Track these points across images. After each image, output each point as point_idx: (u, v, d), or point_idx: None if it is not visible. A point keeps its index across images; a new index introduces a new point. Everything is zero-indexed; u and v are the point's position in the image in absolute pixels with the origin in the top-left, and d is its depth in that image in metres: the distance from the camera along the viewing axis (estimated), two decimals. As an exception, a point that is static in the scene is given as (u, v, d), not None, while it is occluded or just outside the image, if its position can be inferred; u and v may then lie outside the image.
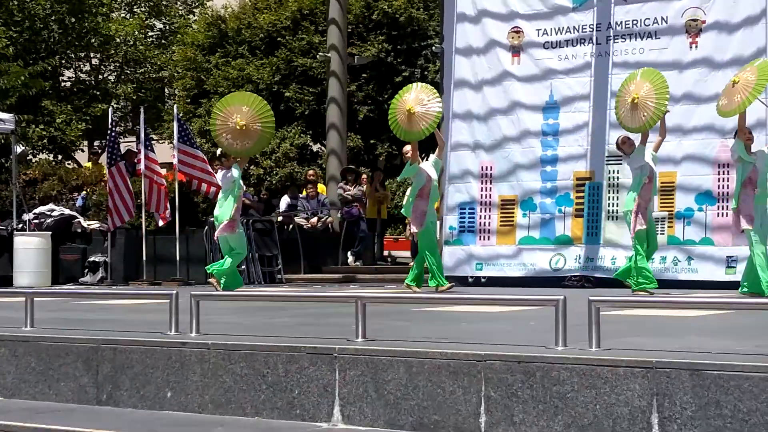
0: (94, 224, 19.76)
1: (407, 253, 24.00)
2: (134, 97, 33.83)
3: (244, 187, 15.17)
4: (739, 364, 5.45)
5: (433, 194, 14.41)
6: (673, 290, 14.14)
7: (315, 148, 31.07)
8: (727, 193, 15.07)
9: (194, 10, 36.06)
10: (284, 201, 22.68)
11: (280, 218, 21.61)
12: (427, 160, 14.99)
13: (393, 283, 18.33)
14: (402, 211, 15.47)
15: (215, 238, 15.22)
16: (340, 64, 22.76)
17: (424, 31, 29.44)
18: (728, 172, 15.12)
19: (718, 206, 15.24)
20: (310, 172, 23.78)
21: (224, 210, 14.70)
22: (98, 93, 33.50)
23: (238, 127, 14.43)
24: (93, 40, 32.19)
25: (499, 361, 6.00)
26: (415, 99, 14.18)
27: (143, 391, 7.08)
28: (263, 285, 19.04)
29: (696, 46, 15.74)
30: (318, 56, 25.08)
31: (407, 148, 14.68)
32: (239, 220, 14.99)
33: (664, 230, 15.57)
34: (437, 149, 14.85)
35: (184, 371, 6.93)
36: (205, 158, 19.18)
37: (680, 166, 15.58)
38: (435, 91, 14.55)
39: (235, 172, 14.66)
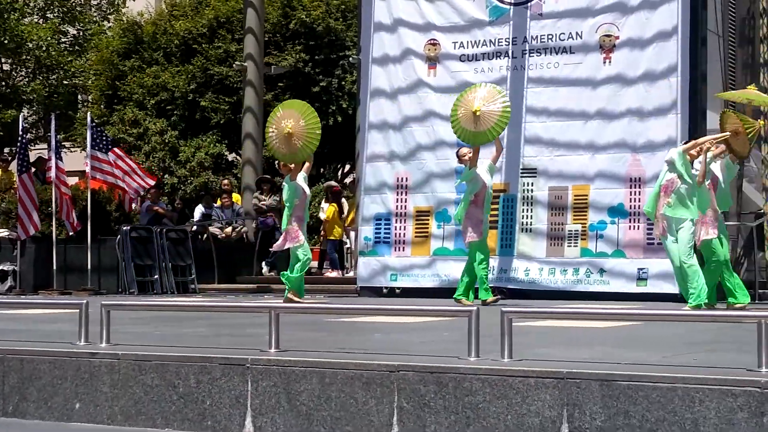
0: (3, 232, 19.44)
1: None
2: (47, 102, 33.31)
3: (304, 196, 13.93)
4: (647, 375, 5.52)
5: (487, 201, 13.50)
6: (585, 302, 14.30)
7: (230, 157, 30.89)
8: (639, 206, 15.30)
9: (109, 16, 35.64)
10: (198, 210, 22.53)
11: (194, 228, 21.45)
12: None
13: (307, 294, 18.27)
14: (454, 217, 14.45)
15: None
16: (257, 73, 22.66)
17: (341, 41, 29.45)
18: (640, 186, 15.36)
19: (630, 220, 15.47)
20: (225, 181, 23.64)
21: (283, 220, 14.20)
22: (8, 91, 32.92)
23: (285, 132, 13.63)
24: (4, 39, 31.64)
25: (412, 371, 6.01)
26: (481, 99, 13.37)
27: (51, 402, 6.95)
28: (176, 295, 18.87)
29: (609, 62, 15.97)
30: (234, 65, 24.94)
31: (465, 150, 13.77)
32: (299, 229, 13.83)
33: (577, 243, 15.77)
34: (495, 153, 13.95)
35: (93, 382, 6.83)
36: (118, 165, 19.04)
37: (593, 181, 15.79)
38: (501, 90, 13.78)
39: (285, 182, 14.06)
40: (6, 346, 7.39)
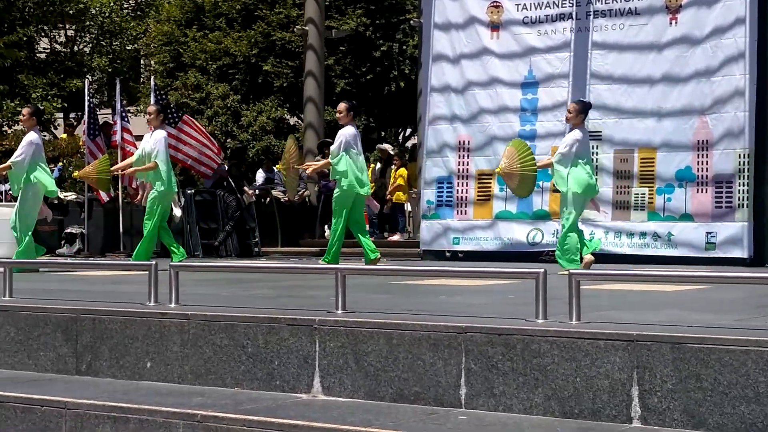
0: (71, 195, 19.63)
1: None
2: (110, 70, 33.57)
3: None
4: (720, 338, 5.46)
5: None
6: (653, 266, 14.17)
7: (292, 121, 30.98)
8: (707, 170, 15.10)
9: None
10: (260, 175, 22.64)
11: (256, 191, 21.54)
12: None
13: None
14: None
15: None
16: (318, 37, 22.65)
17: (402, 5, 29.35)
18: (707, 148, 15.15)
19: (698, 183, 15.26)
20: (287, 144, 23.63)
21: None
22: (74, 65, 33.20)
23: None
24: (68, 8, 31.93)
25: (480, 333, 6.00)
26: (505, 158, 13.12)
27: (122, 361, 7.05)
28: (240, 258, 19.00)
29: (675, 23, 15.72)
30: (295, 29, 24.95)
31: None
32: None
33: (644, 208, 15.60)
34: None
35: (163, 342, 6.91)
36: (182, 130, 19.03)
37: (660, 145, 15.58)
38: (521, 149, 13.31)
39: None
40: (78, 306, 7.50)
